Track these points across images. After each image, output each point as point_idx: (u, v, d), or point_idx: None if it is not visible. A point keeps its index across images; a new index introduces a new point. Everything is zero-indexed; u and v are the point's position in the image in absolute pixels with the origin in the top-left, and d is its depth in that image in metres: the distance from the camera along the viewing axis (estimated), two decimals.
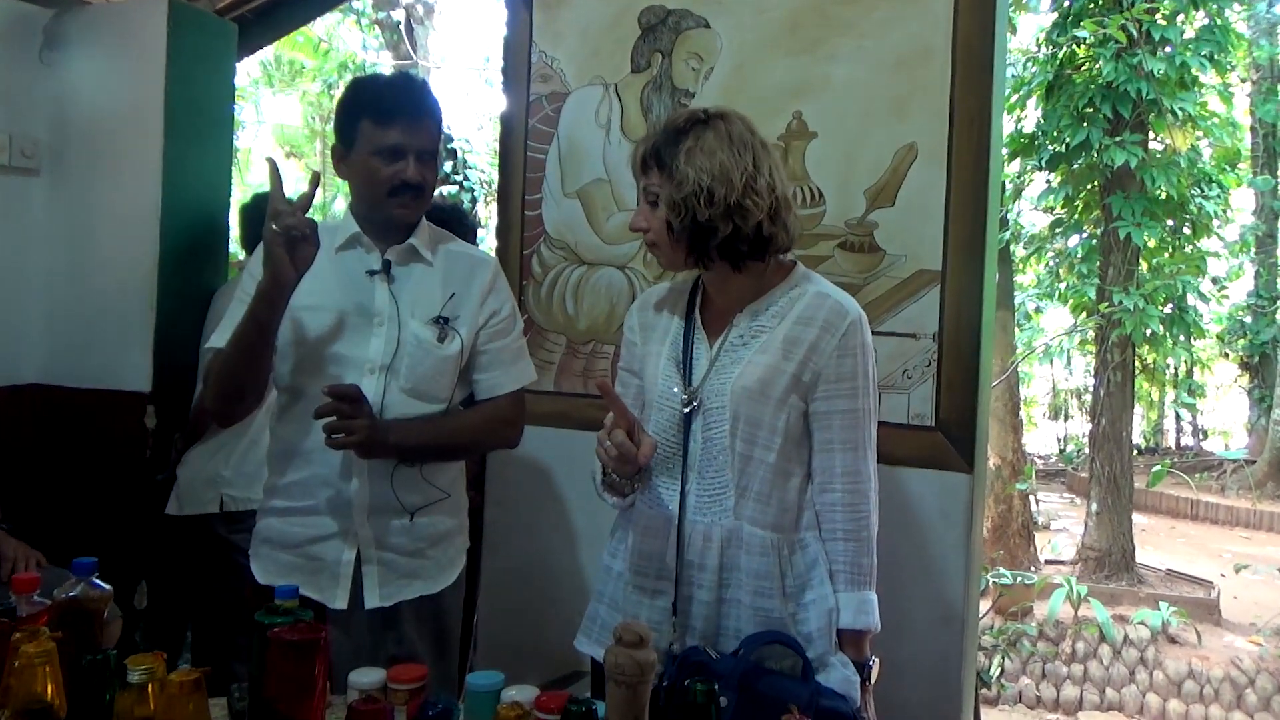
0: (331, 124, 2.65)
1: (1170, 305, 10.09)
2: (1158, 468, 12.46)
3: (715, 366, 2.27)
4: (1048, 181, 10.69)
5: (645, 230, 2.30)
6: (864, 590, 2.24)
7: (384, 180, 2.45)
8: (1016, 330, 12.04)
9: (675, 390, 2.29)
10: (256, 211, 4.17)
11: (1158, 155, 9.64)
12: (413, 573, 2.56)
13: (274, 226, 2.27)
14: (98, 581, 1.97)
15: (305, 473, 2.49)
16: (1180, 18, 9.45)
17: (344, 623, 2.47)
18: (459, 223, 4.23)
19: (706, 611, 2.25)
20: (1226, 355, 16.59)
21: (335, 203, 14.88)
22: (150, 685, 1.61)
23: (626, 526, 2.40)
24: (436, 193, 2.85)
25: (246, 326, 2.38)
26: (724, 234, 2.19)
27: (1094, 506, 10.14)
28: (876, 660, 2.27)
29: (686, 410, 2.26)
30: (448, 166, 11.64)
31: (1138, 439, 16.44)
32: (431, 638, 2.63)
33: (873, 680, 2.25)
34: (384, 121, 2.43)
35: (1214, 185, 10.23)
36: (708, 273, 2.31)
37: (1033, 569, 10.22)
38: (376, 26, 14.74)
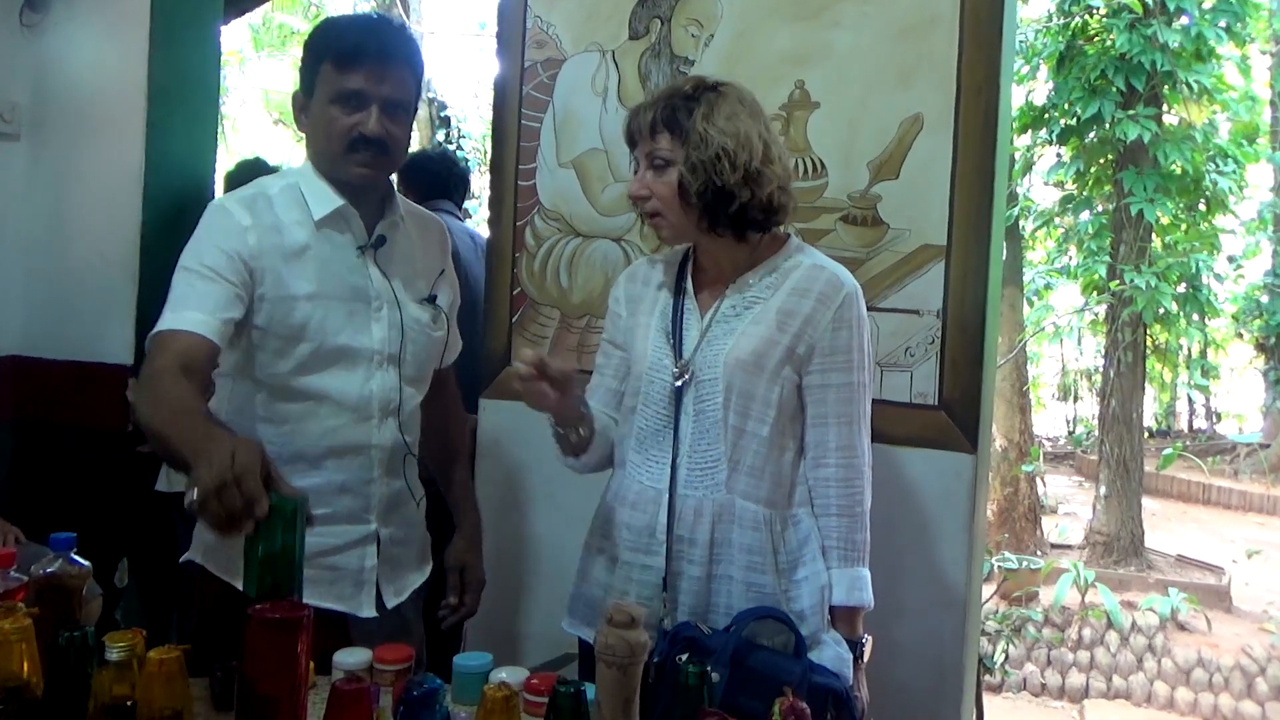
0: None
1: (1184, 284, 10.10)
2: (1169, 451, 12.51)
3: (707, 338, 2.28)
4: (1058, 155, 10.68)
5: (645, 198, 2.27)
6: (857, 567, 2.26)
7: (341, 132, 2.26)
8: (1026, 308, 12.03)
9: (666, 362, 2.30)
10: (241, 180, 4.15)
11: (1172, 129, 9.64)
12: (410, 563, 2.55)
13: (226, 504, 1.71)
14: (76, 558, 1.96)
15: (315, 480, 2.29)
16: None
17: (365, 627, 2.41)
18: (449, 173, 4.21)
19: (697, 587, 2.26)
20: (1241, 336, 16.56)
21: None
22: (130, 663, 1.61)
23: (612, 502, 2.42)
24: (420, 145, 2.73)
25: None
26: (741, 200, 2.19)
27: (1103, 490, 10.17)
28: (869, 638, 2.29)
29: (678, 383, 2.27)
30: (441, 135, 11.61)
31: (1149, 421, 16.44)
32: (419, 619, 2.64)
33: (865, 658, 2.27)
34: (345, 65, 2.23)
35: (1230, 160, 10.22)
36: (704, 242, 2.31)
37: (1039, 553, 10.25)
38: None
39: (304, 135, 2.42)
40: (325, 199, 2.33)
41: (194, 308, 2.16)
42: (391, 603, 2.47)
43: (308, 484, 2.25)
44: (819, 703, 1.81)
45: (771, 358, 2.23)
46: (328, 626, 2.28)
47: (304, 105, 2.35)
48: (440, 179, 3.85)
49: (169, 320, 2.16)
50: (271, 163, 4.45)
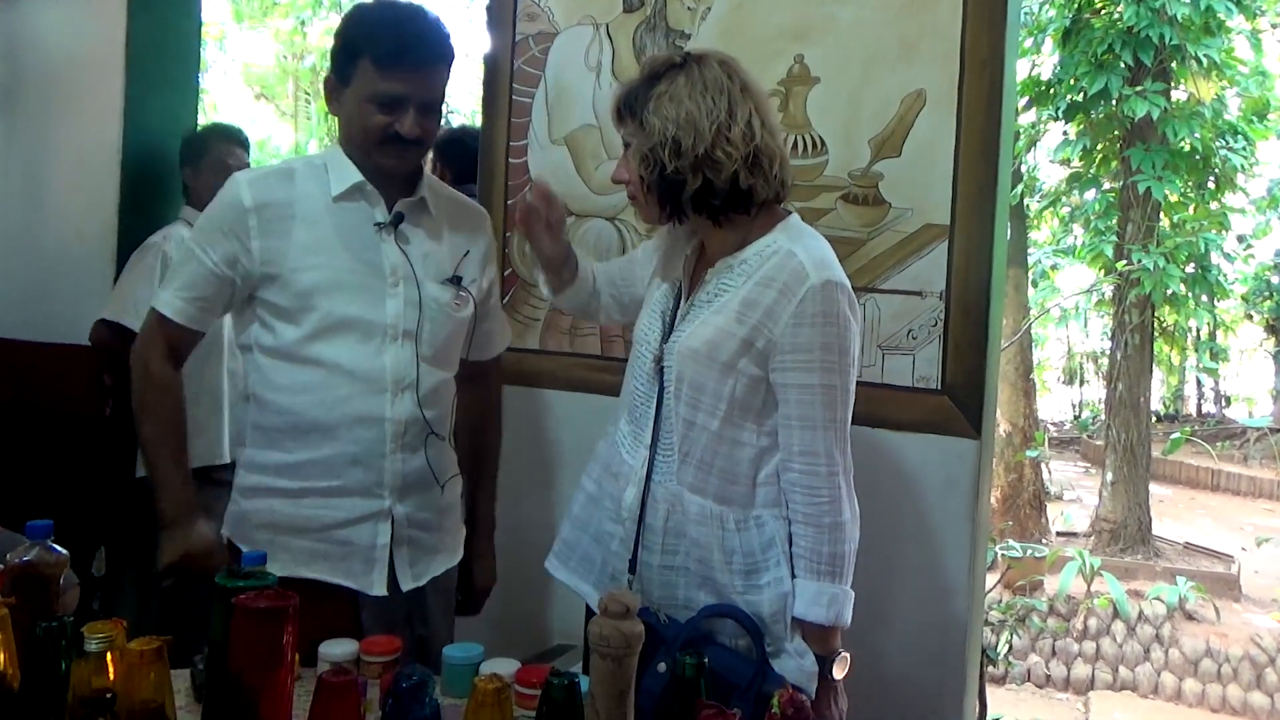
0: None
1: (1192, 264, 10.11)
2: (1177, 435, 12.51)
3: (679, 323, 2.26)
4: (1064, 133, 10.67)
5: (626, 182, 2.29)
6: (824, 581, 2.16)
7: (376, 128, 2.33)
8: (1030, 290, 12.04)
9: (652, 340, 2.30)
10: (192, 146, 4.04)
11: (1181, 105, 9.62)
12: (434, 547, 2.55)
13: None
14: (54, 545, 1.96)
15: (328, 450, 2.37)
16: None
17: (376, 607, 2.43)
18: (472, 144, 4.19)
19: (656, 575, 2.26)
20: (1251, 317, 16.63)
21: (309, 146, 14.81)
22: (109, 654, 1.61)
23: (606, 462, 2.42)
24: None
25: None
26: (694, 187, 2.17)
27: (1109, 476, 10.19)
28: (844, 655, 2.20)
29: (660, 365, 2.26)
30: None
31: (1157, 405, 16.48)
32: (449, 614, 2.66)
33: (839, 677, 2.20)
34: (386, 66, 2.29)
35: (1240, 137, 10.21)
36: (691, 224, 2.30)
37: (1044, 541, 10.27)
38: None
39: (336, 118, 2.48)
40: (345, 175, 2.41)
41: (179, 287, 2.39)
42: (408, 585, 2.47)
43: (321, 455, 2.37)
44: (766, 711, 1.78)
45: (725, 350, 2.17)
46: (337, 603, 2.36)
47: (338, 91, 2.41)
48: (467, 160, 3.78)
49: (162, 298, 2.40)
50: (228, 129, 4.32)
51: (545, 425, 3.35)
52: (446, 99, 2.48)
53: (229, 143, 3.98)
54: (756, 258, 2.21)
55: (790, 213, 2.32)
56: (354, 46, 2.34)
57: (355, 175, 2.41)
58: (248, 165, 3.99)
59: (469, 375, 2.69)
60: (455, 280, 2.51)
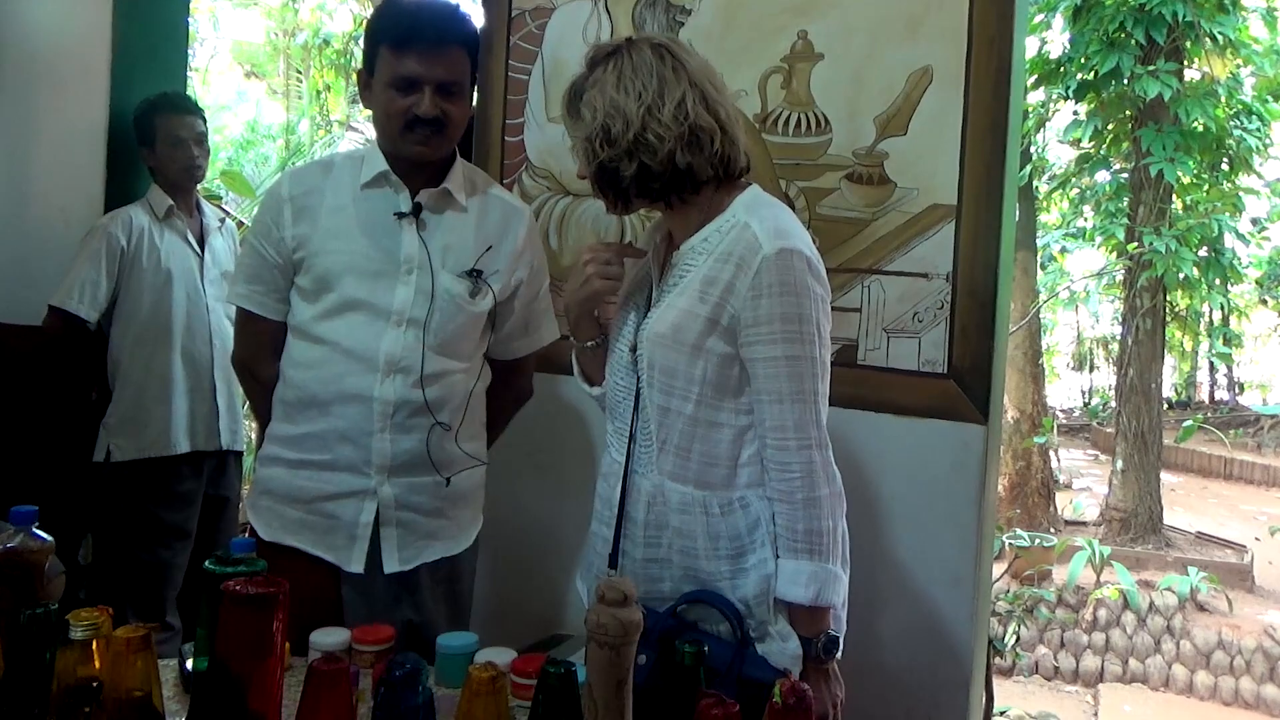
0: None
1: (1205, 247, 10.08)
2: (1189, 423, 12.49)
3: (651, 311, 2.26)
4: (1075, 113, 10.63)
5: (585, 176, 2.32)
6: (803, 559, 2.14)
7: (397, 113, 2.45)
8: (1039, 273, 12.01)
9: (626, 332, 2.30)
10: (139, 119, 3.98)
11: (1194, 85, 9.59)
12: (432, 534, 2.58)
13: None
14: (38, 532, 1.96)
15: (322, 425, 2.50)
16: None
17: (360, 586, 2.49)
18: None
19: (638, 569, 2.25)
20: (1265, 302, 16.60)
21: (300, 125, 14.79)
22: (94, 643, 1.61)
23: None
24: None
25: None
26: (630, 172, 2.18)
27: (1120, 464, 10.18)
28: (831, 635, 2.17)
29: (635, 355, 2.26)
30: None
31: (1168, 392, 16.49)
32: (447, 603, 2.66)
33: (829, 658, 2.17)
34: (400, 49, 2.42)
35: (1254, 118, 10.18)
36: (646, 211, 2.32)
37: (1052, 530, 10.27)
38: None
39: (369, 111, 2.64)
40: (374, 164, 2.55)
41: (245, 279, 2.62)
42: (392, 568, 2.51)
43: (316, 429, 2.51)
44: (749, 695, 1.77)
45: (690, 331, 2.17)
46: (322, 575, 2.47)
47: (367, 84, 2.54)
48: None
49: (233, 291, 2.65)
50: (171, 100, 4.25)
51: (541, 410, 3.33)
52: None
53: (176, 114, 3.96)
54: (716, 234, 2.21)
55: (749, 185, 2.30)
56: (375, 36, 2.50)
57: (382, 164, 2.53)
58: (201, 132, 4.01)
59: (502, 375, 2.77)
60: (474, 273, 2.57)
